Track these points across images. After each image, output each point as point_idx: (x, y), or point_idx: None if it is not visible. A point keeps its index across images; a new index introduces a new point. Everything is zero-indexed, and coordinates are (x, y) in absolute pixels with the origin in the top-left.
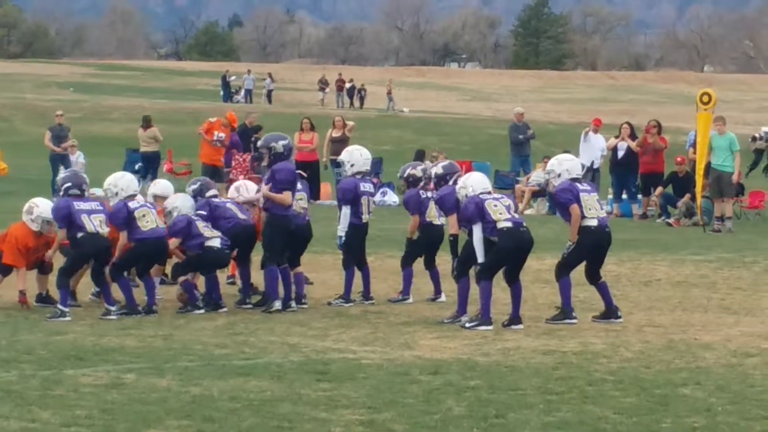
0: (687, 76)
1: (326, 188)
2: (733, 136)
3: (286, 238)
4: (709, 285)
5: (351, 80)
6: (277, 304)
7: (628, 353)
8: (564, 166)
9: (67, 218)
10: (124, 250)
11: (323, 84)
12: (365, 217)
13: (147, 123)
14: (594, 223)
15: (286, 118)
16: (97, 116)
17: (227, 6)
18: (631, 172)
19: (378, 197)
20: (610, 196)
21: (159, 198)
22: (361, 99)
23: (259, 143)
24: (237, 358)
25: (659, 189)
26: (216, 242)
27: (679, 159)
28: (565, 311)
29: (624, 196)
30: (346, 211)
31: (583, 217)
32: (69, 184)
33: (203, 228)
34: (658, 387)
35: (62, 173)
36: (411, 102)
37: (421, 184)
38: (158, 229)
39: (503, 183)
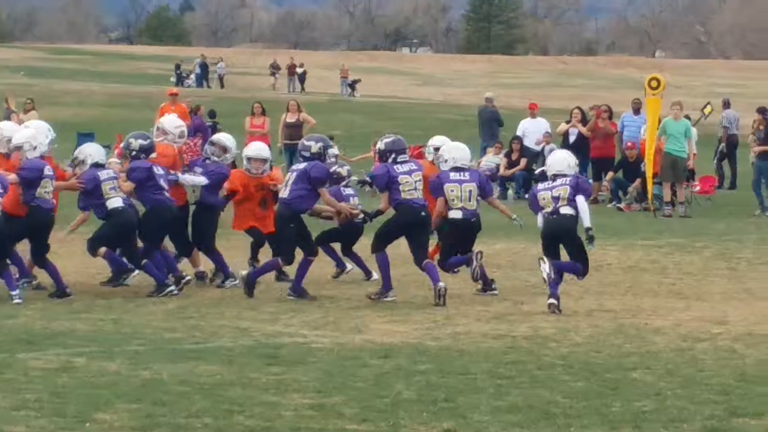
0: (638, 61)
1: (277, 172)
2: (688, 122)
3: (166, 226)
4: (659, 270)
5: (302, 65)
6: (170, 288)
7: (578, 338)
8: (452, 153)
9: None
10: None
11: (275, 68)
12: None
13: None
14: (458, 215)
15: (238, 103)
16: (47, 100)
17: None
18: (582, 157)
19: None
20: None
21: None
22: (352, 87)
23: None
24: (187, 342)
25: (610, 174)
26: (117, 201)
27: (629, 144)
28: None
29: None
30: None
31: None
32: None
33: (108, 190)
34: (607, 371)
35: None
36: (362, 86)
37: (343, 182)
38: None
39: None
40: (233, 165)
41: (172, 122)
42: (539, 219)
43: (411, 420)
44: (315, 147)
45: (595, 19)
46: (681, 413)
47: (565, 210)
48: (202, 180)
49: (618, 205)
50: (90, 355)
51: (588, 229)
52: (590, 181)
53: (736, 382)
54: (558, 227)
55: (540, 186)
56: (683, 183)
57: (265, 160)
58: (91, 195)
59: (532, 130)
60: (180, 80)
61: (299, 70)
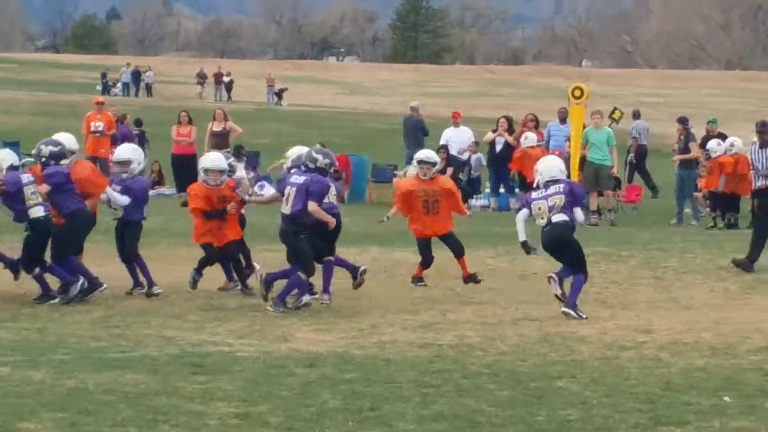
0: (565, 71)
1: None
2: (610, 130)
3: (84, 231)
4: None
5: (229, 73)
6: (80, 282)
7: (504, 346)
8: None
9: None
10: None
11: (201, 77)
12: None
13: None
14: (287, 211)
15: (165, 111)
16: None
17: None
18: (508, 167)
19: (255, 189)
20: (488, 190)
21: None
22: (279, 96)
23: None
24: (113, 351)
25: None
26: (39, 211)
27: (557, 153)
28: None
29: (501, 189)
30: None
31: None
32: None
33: (30, 195)
34: (533, 380)
35: None
36: (289, 95)
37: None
38: None
39: (380, 176)
40: (159, 172)
41: (71, 142)
42: (522, 213)
43: (336, 429)
44: (321, 161)
45: (522, 29)
46: (606, 422)
47: (557, 218)
48: (125, 200)
49: None
50: (14, 364)
51: None
52: (517, 190)
53: (661, 390)
54: (552, 236)
55: (534, 194)
56: (610, 191)
57: (222, 171)
58: (12, 197)
59: (455, 140)
60: (106, 89)
61: (226, 79)
